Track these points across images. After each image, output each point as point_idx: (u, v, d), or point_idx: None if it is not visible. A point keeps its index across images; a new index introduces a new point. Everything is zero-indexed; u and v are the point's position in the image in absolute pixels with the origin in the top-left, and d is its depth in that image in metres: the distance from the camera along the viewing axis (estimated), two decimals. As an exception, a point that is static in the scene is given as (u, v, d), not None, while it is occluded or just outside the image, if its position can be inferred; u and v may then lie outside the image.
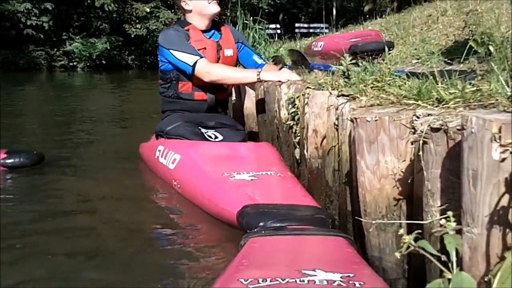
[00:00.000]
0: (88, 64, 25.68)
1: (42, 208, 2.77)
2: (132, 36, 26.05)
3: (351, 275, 1.40)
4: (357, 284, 1.35)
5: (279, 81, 3.20)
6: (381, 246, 1.61)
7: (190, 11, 3.53)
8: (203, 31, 3.53)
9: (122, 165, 3.78)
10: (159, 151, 3.23)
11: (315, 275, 1.40)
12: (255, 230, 1.90)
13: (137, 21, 26.13)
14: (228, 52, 3.60)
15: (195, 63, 3.33)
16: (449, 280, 0.94)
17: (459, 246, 0.99)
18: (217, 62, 3.52)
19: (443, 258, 0.99)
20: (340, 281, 1.36)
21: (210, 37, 3.55)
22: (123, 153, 4.15)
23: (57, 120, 6.72)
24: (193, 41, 3.45)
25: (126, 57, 27.26)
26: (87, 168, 3.73)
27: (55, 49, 25.39)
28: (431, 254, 0.99)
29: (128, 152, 4.09)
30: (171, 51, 3.39)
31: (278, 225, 1.94)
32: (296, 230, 1.89)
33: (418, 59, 3.92)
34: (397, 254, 1.02)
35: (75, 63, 25.67)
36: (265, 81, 3.37)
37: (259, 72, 3.37)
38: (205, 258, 2.10)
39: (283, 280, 1.36)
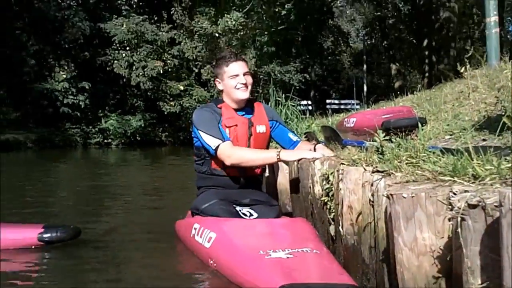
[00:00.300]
0: (122, 141, 26.24)
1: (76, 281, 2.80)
2: (166, 113, 26.66)
3: None
4: None
5: (309, 158, 3.24)
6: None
7: (222, 91, 3.65)
8: (236, 109, 3.63)
9: (157, 241, 3.79)
10: (195, 229, 3.24)
11: None
12: None
13: (171, 98, 26.80)
14: (261, 128, 3.66)
15: (217, 147, 3.40)
16: None
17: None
18: (249, 138, 3.58)
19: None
20: None
21: (242, 115, 3.63)
22: (159, 229, 4.18)
23: (92, 196, 6.83)
24: (225, 118, 3.54)
25: (159, 134, 27.81)
26: (122, 244, 3.74)
27: (91, 127, 26.09)
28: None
29: (163, 228, 4.13)
30: (199, 131, 3.49)
31: None
32: None
33: (451, 135, 3.92)
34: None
35: (109, 140, 26.25)
36: (284, 161, 3.43)
37: (279, 152, 3.42)
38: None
39: None
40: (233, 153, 3.42)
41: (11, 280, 2.84)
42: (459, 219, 1.32)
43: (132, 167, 13.19)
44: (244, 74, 3.58)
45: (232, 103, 3.62)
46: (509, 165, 1.50)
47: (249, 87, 3.61)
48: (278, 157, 3.39)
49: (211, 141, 3.43)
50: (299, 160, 3.43)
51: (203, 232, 3.11)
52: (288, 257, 2.48)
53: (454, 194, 1.44)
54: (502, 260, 1.05)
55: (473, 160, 1.66)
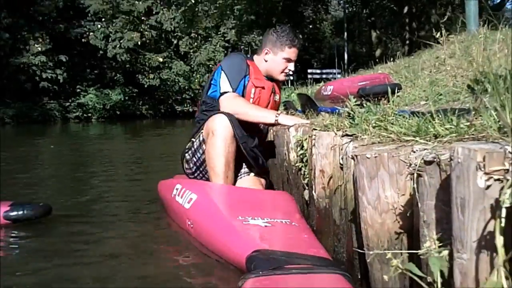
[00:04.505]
0: (102, 115, 26.02)
1: (47, 263, 2.67)
2: (146, 86, 26.45)
3: None
4: None
5: (306, 123, 3.24)
6: (384, 279, 1.64)
7: (265, 61, 3.62)
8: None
9: (138, 213, 3.81)
10: (176, 189, 3.24)
11: None
12: (253, 271, 1.91)
13: (150, 71, 26.60)
14: (277, 97, 3.71)
15: (225, 92, 3.39)
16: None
17: (444, 268, 1.03)
18: (268, 104, 3.60)
19: (429, 279, 1.03)
20: None
21: (267, 79, 3.63)
22: (140, 201, 4.20)
23: (72, 171, 6.80)
24: (255, 77, 3.52)
25: (140, 107, 27.64)
26: (99, 218, 3.67)
27: (70, 101, 25.80)
28: (418, 276, 1.03)
29: (144, 199, 4.16)
30: (223, 71, 3.46)
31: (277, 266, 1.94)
32: (293, 269, 1.90)
33: (426, 100, 3.98)
34: (385, 277, 1.06)
35: (89, 115, 26.02)
36: (281, 125, 3.42)
37: (279, 114, 3.41)
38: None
39: None
40: (233, 102, 3.38)
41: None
42: (415, 175, 1.37)
43: (112, 140, 13.13)
44: (294, 62, 3.62)
45: (261, 69, 3.62)
46: (467, 123, 1.54)
47: None
48: (276, 119, 3.38)
49: (224, 85, 3.41)
50: (280, 125, 3.44)
51: (184, 193, 3.11)
52: (266, 226, 2.48)
53: (414, 152, 1.48)
54: (451, 211, 1.10)
55: (434, 120, 1.70)
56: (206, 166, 3.40)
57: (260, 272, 1.88)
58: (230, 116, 3.27)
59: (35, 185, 5.27)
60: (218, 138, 3.24)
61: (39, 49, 24.29)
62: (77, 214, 3.77)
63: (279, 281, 1.82)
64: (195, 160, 3.51)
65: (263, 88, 3.54)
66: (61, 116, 25.26)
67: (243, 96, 3.48)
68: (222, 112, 3.31)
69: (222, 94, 3.41)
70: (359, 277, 2.06)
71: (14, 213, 3.35)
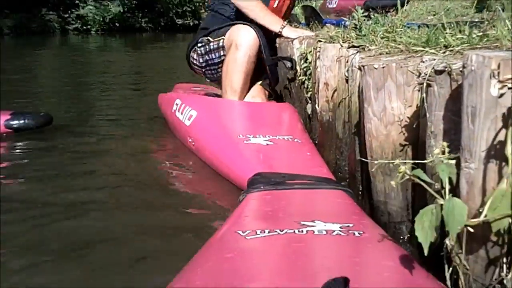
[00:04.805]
0: (102, 27, 25.54)
1: (49, 169, 2.71)
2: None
3: (350, 225, 1.43)
4: (356, 233, 1.37)
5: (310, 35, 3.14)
6: (386, 191, 1.64)
7: None
8: None
9: (136, 123, 3.81)
10: (176, 104, 3.18)
11: (314, 226, 1.42)
12: (254, 186, 1.90)
13: (149, -19, 25.91)
14: (290, 4, 3.56)
15: None
16: (442, 206, 0.98)
17: (453, 175, 1.02)
18: (287, 10, 3.48)
19: (437, 186, 1.02)
20: (339, 230, 1.39)
21: None
22: (137, 111, 4.19)
23: (72, 82, 6.73)
24: None
25: (139, 20, 27.08)
26: (100, 127, 3.72)
27: (69, 12, 25.24)
28: (426, 183, 1.02)
29: (142, 112, 4.14)
30: None
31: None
32: (295, 184, 1.90)
33: (434, 15, 3.88)
34: (393, 183, 1.05)
35: (88, 27, 25.54)
36: (284, 37, 3.30)
37: (284, 26, 3.28)
38: (205, 214, 2.09)
39: (281, 231, 1.38)
40: None
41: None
42: (425, 85, 1.33)
43: (111, 53, 12.94)
44: None
45: None
46: (480, 34, 1.49)
47: None
48: (280, 30, 3.27)
49: None
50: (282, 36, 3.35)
51: (184, 108, 3.06)
52: (267, 144, 2.43)
53: (423, 62, 1.44)
54: (461, 121, 1.07)
55: (445, 31, 1.65)
56: (218, 68, 3.34)
57: (262, 187, 1.87)
58: (257, 30, 3.16)
59: (36, 96, 5.24)
60: (241, 53, 3.15)
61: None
62: (77, 124, 3.78)
63: (281, 196, 1.81)
64: (207, 58, 3.40)
65: None
66: (60, 27, 24.77)
67: None
68: (249, 25, 3.17)
69: None
70: (361, 189, 2.07)
71: (15, 121, 3.35)
